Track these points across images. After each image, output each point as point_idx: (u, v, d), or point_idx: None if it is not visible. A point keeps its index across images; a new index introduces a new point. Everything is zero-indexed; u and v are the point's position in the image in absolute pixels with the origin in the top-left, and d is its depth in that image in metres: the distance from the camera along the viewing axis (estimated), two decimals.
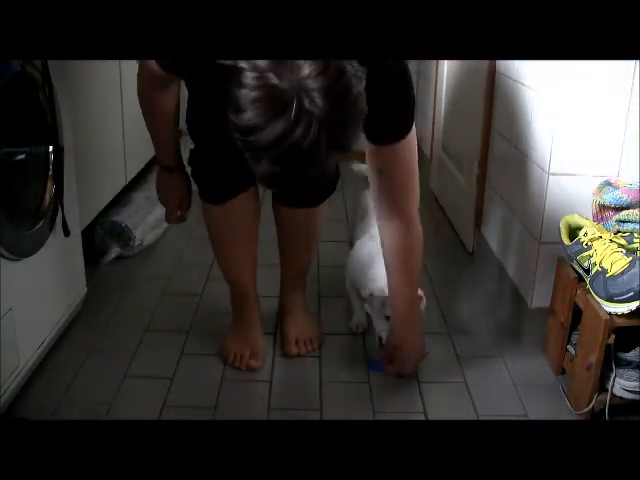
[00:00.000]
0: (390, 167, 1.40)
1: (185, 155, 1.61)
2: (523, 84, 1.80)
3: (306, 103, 0.93)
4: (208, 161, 1.53)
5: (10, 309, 1.39)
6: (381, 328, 1.57)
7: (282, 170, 1.01)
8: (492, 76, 2.06)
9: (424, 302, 1.60)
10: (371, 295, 1.58)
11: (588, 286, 1.46)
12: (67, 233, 1.65)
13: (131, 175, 2.51)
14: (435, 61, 2.96)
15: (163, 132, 1.59)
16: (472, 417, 1.48)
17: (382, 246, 1.52)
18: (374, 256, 1.63)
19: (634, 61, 1.49)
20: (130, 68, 2.38)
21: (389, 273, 1.53)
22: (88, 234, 2.08)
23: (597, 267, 1.43)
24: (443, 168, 2.78)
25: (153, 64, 1.36)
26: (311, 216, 1.66)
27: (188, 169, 1.59)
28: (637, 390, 1.41)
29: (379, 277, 1.57)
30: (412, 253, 1.50)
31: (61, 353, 1.68)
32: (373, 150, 1.38)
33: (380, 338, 1.58)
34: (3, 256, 1.35)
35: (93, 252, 2.14)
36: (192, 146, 1.56)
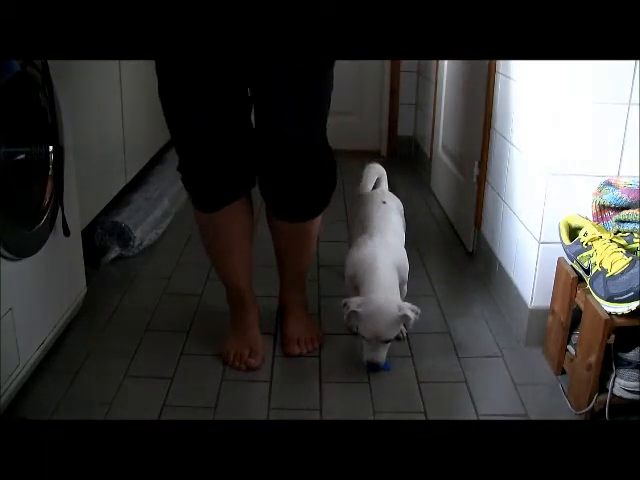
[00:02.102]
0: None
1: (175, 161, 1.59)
2: (523, 84, 1.80)
3: None
4: (198, 170, 1.51)
5: (10, 309, 1.39)
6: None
7: None
8: (492, 76, 2.06)
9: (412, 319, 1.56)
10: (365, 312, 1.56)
11: (588, 286, 1.46)
12: (67, 233, 1.65)
13: (131, 175, 2.51)
14: (435, 61, 2.96)
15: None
16: (472, 417, 1.48)
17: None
18: (374, 255, 1.63)
19: (634, 61, 1.49)
20: (130, 68, 2.39)
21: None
22: (88, 234, 2.08)
23: (597, 267, 1.43)
24: (443, 168, 2.79)
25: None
26: (306, 229, 1.65)
27: (178, 176, 1.56)
28: (637, 390, 1.41)
29: (376, 286, 1.58)
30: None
31: (61, 353, 1.68)
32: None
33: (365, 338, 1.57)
34: (3, 256, 1.35)
35: (93, 252, 2.14)
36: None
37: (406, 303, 1.57)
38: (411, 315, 1.54)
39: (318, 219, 1.66)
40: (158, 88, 1.45)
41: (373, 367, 1.59)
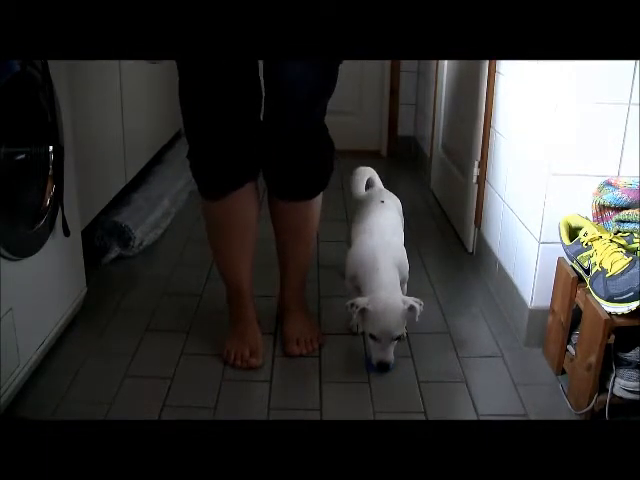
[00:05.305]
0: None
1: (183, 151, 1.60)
2: (523, 84, 1.80)
3: None
4: (207, 155, 1.53)
5: (10, 309, 1.39)
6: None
7: None
8: (492, 76, 2.06)
9: (418, 310, 1.58)
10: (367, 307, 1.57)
11: (588, 286, 1.46)
12: (67, 233, 1.65)
13: (131, 175, 2.51)
14: (435, 61, 2.96)
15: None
16: (472, 417, 1.48)
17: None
18: (374, 255, 1.63)
19: (634, 61, 1.49)
20: (130, 68, 2.39)
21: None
22: (88, 234, 2.08)
23: (597, 267, 1.43)
24: (443, 168, 2.79)
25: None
26: (306, 210, 1.67)
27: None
28: (637, 390, 1.41)
29: (378, 285, 1.58)
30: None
31: (61, 353, 1.68)
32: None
33: (372, 335, 1.57)
34: (3, 256, 1.35)
35: (93, 252, 2.14)
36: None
37: (409, 297, 1.59)
38: (417, 306, 1.56)
39: (317, 207, 1.69)
40: (179, 81, 1.50)
41: (383, 367, 1.58)
